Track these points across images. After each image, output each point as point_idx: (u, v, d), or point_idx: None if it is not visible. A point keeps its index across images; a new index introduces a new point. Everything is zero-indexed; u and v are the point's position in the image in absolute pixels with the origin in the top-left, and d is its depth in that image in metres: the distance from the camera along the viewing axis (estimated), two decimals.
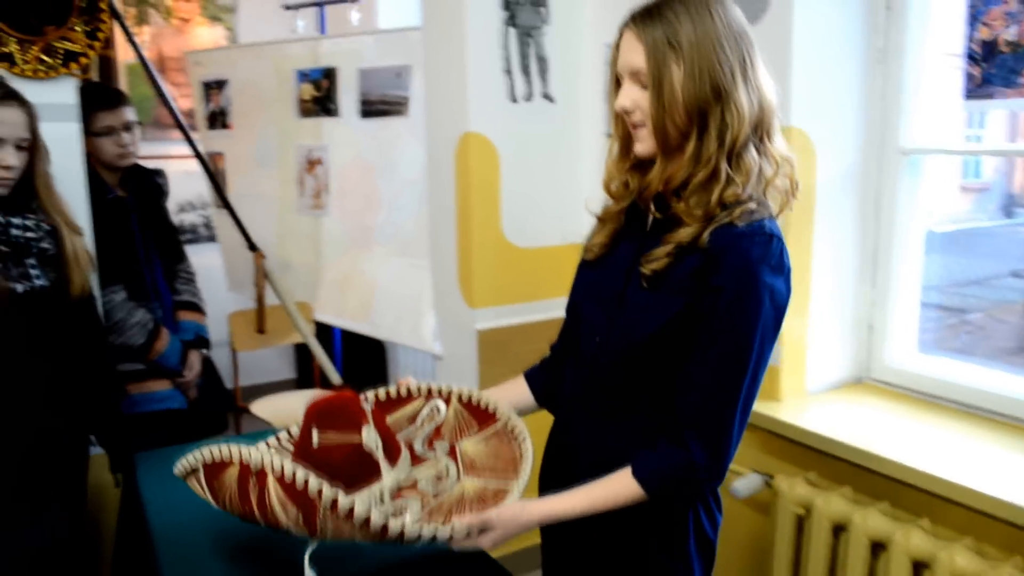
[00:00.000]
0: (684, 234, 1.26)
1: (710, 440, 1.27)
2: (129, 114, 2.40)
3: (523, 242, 2.77)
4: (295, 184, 3.57)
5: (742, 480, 2.15)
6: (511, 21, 2.65)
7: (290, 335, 3.57)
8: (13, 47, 2.03)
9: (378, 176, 3.26)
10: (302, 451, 1.40)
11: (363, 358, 4.46)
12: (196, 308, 2.63)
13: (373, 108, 3.24)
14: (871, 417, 2.10)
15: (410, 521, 1.22)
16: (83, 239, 2.06)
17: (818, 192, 2.20)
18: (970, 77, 2.10)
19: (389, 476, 1.40)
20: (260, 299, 2.93)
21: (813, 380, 2.28)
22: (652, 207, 1.33)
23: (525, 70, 2.70)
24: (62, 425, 1.96)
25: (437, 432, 1.58)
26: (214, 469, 1.36)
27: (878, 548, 1.86)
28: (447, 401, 1.59)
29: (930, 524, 1.82)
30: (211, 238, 4.55)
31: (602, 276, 1.41)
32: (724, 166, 1.24)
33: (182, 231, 4.57)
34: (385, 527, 1.19)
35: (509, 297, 2.78)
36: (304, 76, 3.47)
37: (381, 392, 1.61)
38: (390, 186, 3.21)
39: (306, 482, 1.20)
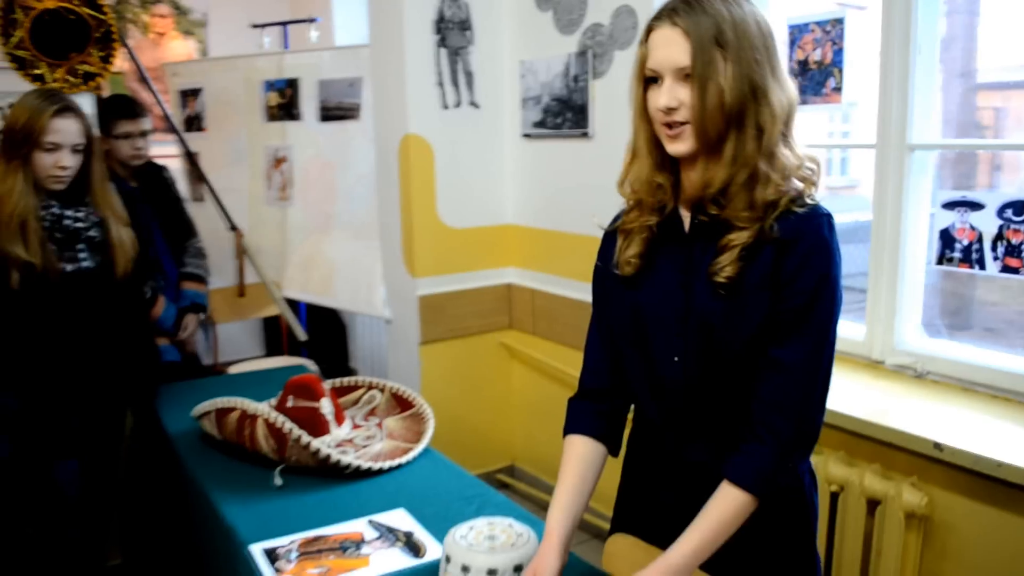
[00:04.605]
0: (745, 236, 1.22)
1: (802, 421, 1.24)
2: (145, 124, 2.95)
3: (455, 223, 3.36)
4: (263, 179, 4.11)
5: None
6: (442, 42, 3.24)
7: (263, 308, 4.12)
8: (44, 69, 2.58)
9: (335, 171, 3.81)
10: (280, 408, 2.05)
11: (325, 330, 5.02)
12: (198, 279, 3.15)
13: (330, 113, 3.78)
14: None
15: (349, 457, 1.90)
16: (129, 229, 2.31)
17: None
18: None
19: (335, 432, 2.06)
20: (241, 269, 3.49)
21: None
22: (691, 212, 1.30)
23: (454, 82, 3.28)
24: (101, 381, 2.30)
25: (373, 412, 2.27)
26: (222, 412, 2.04)
27: None
28: (382, 391, 2.31)
29: None
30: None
31: (656, 293, 1.32)
32: (763, 166, 1.21)
33: None
34: (328, 457, 1.86)
35: (444, 269, 3.36)
36: (270, 85, 4.01)
37: (338, 381, 2.35)
38: (346, 180, 3.77)
39: (283, 423, 1.88)
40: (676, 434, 1.34)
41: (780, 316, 1.23)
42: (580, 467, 1.39)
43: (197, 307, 3.10)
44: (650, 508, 1.42)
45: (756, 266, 1.23)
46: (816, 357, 1.23)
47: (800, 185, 1.25)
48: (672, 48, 1.20)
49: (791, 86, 1.26)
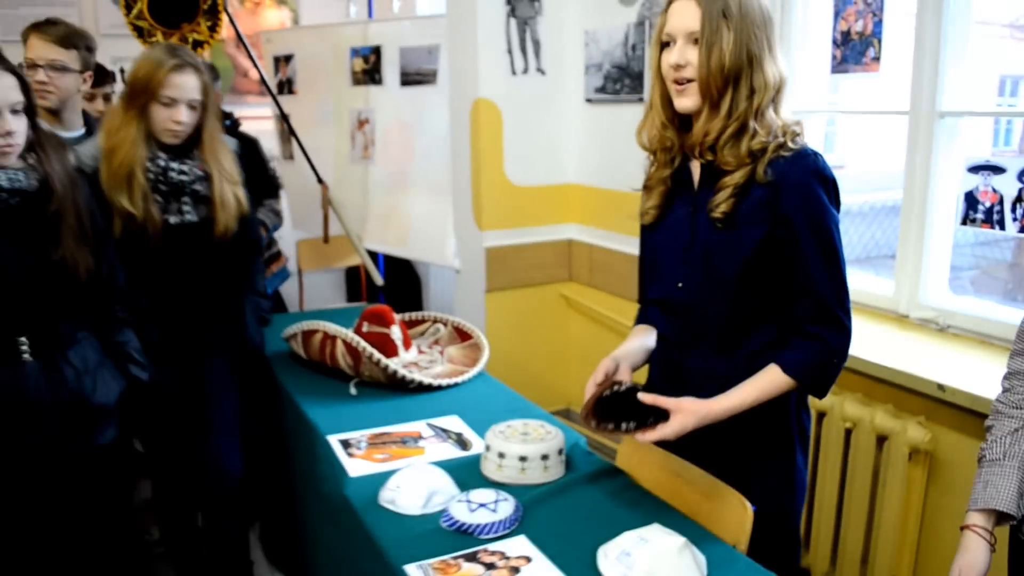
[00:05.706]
0: (737, 177, 1.47)
1: (840, 327, 1.50)
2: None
3: (521, 182, 3.63)
4: (348, 139, 4.43)
5: None
6: (512, 12, 3.49)
7: (346, 258, 4.49)
8: (159, 37, 2.95)
9: (413, 133, 4.09)
10: (357, 332, 2.36)
11: (402, 281, 5.38)
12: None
13: (410, 78, 4.05)
14: None
15: (414, 375, 2.21)
16: (238, 187, 2.28)
17: None
18: (834, 57, 2.89)
19: (403, 355, 2.37)
20: (325, 218, 3.85)
21: None
22: (697, 160, 1.55)
23: (523, 50, 3.54)
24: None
25: (437, 341, 2.58)
26: (308, 334, 2.36)
27: None
28: (445, 325, 2.62)
29: None
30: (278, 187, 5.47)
31: (668, 233, 1.62)
32: (752, 122, 1.47)
33: None
34: (395, 372, 2.17)
35: (510, 224, 3.65)
36: (356, 52, 4.30)
37: (408, 315, 2.65)
38: (422, 140, 4.05)
39: (359, 343, 2.19)
40: (680, 346, 1.63)
41: (791, 244, 1.46)
42: (642, 331, 1.72)
43: None
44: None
45: (748, 202, 1.48)
46: (832, 268, 1.48)
47: (784, 137, 1.49)
48: (686, 16, 1.46)
49: (783, 64, 1.51)
